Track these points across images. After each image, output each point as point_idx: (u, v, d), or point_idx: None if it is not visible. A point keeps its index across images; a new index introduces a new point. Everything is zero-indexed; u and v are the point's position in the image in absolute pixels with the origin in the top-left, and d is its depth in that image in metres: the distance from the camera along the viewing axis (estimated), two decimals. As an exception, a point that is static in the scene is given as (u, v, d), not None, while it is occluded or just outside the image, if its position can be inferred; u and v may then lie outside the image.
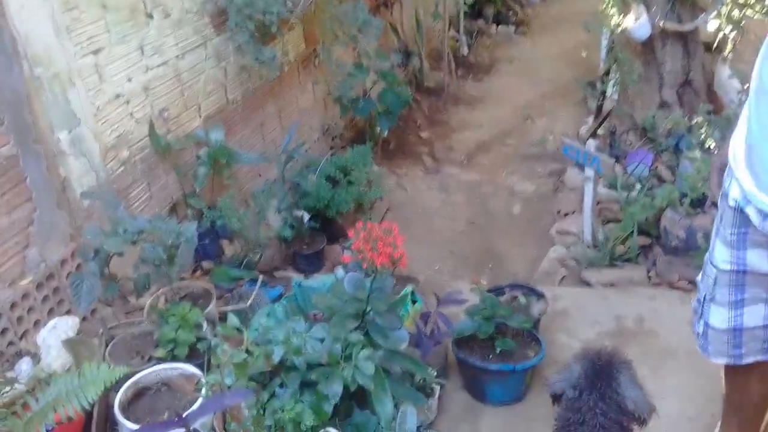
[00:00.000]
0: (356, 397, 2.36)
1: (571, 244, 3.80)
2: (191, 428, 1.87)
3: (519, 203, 4.52)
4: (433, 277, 3.77)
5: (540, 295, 3.07)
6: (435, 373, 2.71)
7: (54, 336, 2.44)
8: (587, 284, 3.50)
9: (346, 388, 2.23)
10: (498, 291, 3.08)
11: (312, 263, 3.54)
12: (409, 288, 3.07)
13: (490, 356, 2.75)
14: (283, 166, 3.55)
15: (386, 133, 4.91)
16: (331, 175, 3.83)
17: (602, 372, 1.89)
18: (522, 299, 2.99)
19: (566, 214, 4.07)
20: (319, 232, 3.64)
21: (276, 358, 2.18)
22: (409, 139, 5.39)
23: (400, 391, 2.44)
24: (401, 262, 2.14)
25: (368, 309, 2.36)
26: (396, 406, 2.35)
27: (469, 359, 2.72)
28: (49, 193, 2.60)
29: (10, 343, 2.44)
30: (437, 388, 2.71)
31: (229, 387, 2.10)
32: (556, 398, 2.00)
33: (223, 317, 2.75)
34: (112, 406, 2.14)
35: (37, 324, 2.54)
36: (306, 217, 3.53)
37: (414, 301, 3.06)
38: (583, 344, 3.02)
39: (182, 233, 2.36)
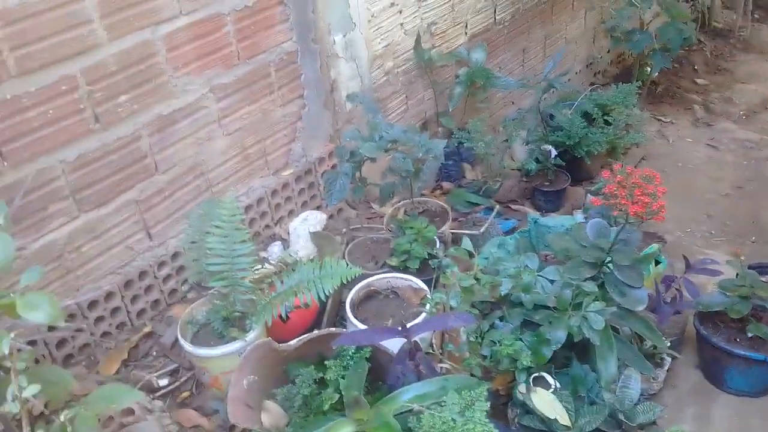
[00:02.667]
0: (577, 349, 2.25)
1: None
2: (412, 340, 1.92)
3: (804, 174, 3.88)
4: (683, 240, 3.42)
5: (813, 283, 2.63)
6: (669, 344, 2.49)
7: (304, 227, 2.64)
8: None
9: (569, 337, 2.13)
10: (762, 269, 2.69)
11: (551, 201, 3.39)
12: (655, 246, 2.82)
13: (738, 339, 2.44)
14: (540, 94, 3.38)
15: (656, 73, 4.45)
16: (587, 112, 3.58)
17: None
18: (790, 284, 2.59)
19: None
20: (563, 171, 3.45)
21: (503, 291, 2.14)
22: (682, 84, 4.84)
23: (626, 354, 2.27)
24: (659, 215, 1.94)
25: (608, 260, 2.20)
26: (618, 368, 2.20)
27: (712, 338, 2.44)
28: (318, 92, 2.76)
29: (267, 227, 2.69)
30: (668, 360, 2.48)
31: (452, 308, 2.10)
32: None
33: (455, 239, 2.77)
34: (344, 302, 2.27)
35: (291, 214, 2.77)
36: (553, 152, 3.36)
37: (657, 262, 2.81)
38: None
39: (431, 149, 2.37)
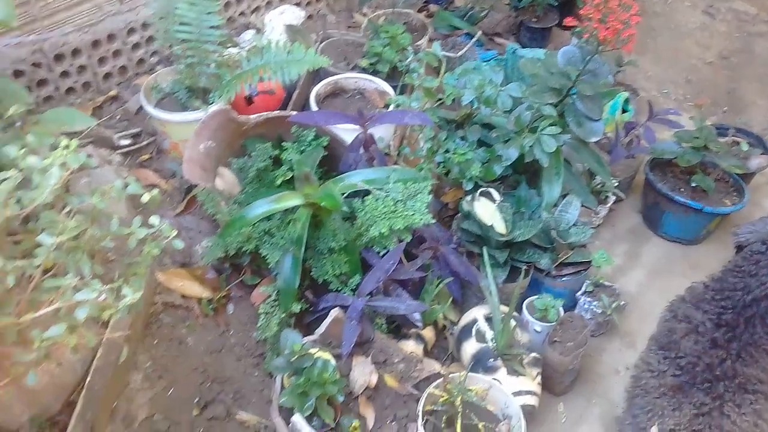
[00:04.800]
0: (528, 175, 2.34)
1: (832, 115, 3.24)
2: (368, 131, 1.98)
3: (792, 53, 3.85)
4: (656, 99, 3.45)
5: (767, 150, 2.72)
6: (616, 184, 2.59)
7: (280, 20, 2.60)
8: (829, 162, 3.02)
9: (521, 158, 2.21)
10: (721, 129, 2.76)
11: (535, 39, 3.35)
12: (625, 94, 2.85)
13: (682, 189, 2.55)
14: None
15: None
16: (591, -47, 3.45)
17: None
18: (744, 146, 2.67)
19: (844, 81, 3.42)
20: (554, 10, 3.38)
21: (464, 101, 2.18)
22: (695, -54, 4.64)
23: (573, 184, 2.37)
24: (628, 44, 1.95)
25: (573, 90, 2.23)
26: (564, 197, 2.30)
27: (658, 183, 2.54)
28: None
29: (242, 14, 2.64)
30: (612, 198, 2.60)
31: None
32: (740, 249, 1.82)
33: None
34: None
35: (269, 5, 2.71)
36: (548, -13, 3.27)
37: (625, 111, 2.85)
38: (791, 217, 2.71)
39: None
